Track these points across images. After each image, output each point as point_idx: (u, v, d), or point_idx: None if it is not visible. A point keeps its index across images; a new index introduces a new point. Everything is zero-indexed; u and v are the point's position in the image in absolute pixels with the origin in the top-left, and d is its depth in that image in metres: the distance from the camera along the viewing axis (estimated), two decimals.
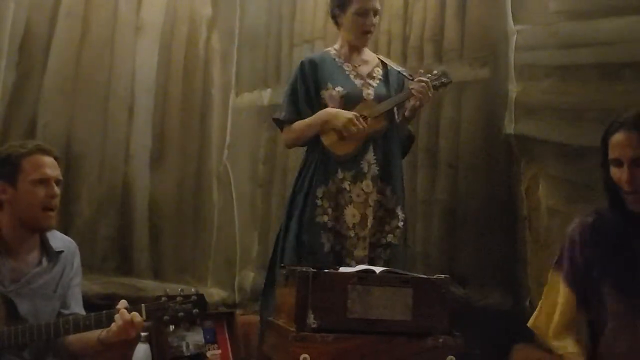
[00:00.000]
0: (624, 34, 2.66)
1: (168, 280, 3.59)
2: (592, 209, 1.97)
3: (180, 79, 3.81)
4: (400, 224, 2.73)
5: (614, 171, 1.83)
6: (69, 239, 2.34)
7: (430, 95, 2.68)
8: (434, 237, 3.12)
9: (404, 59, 3.28)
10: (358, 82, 2.77)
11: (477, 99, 3.08)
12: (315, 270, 2.01)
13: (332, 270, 2.16)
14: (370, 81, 2.79)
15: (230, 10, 3.90)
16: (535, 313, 2.05)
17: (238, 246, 3.75)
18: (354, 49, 2.83)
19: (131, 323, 1.97)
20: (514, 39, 2.96)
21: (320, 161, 2.72)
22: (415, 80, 2.69)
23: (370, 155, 2.71)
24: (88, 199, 3.57)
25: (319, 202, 2.68)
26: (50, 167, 2.17)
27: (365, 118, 2.68)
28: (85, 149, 3.59)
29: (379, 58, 2.89)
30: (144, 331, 2.08)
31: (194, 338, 2.68)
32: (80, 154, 3.57)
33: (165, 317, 2.01)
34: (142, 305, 2.02)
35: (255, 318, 2.92)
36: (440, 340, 2.01)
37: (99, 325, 2.02)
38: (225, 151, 3.85)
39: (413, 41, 3.29)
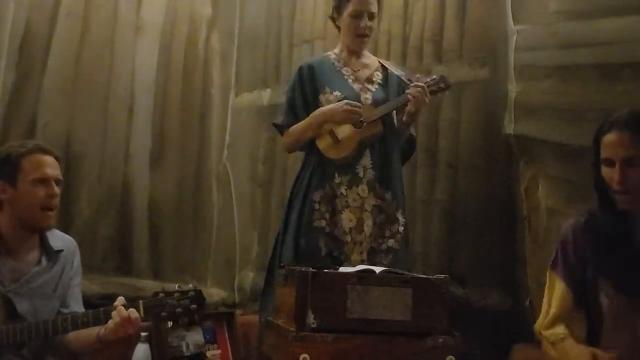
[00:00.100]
0: (624, 34, 2.66)
1: (168, 280, 3.58)
2: (585, 209, 1.98)
3: (180, 79, 3.81)
4: (401, 228, 2.71)
5: (606, 171, 1.84)
6: (69, 238, 2.34)
7: (427, 100, 2.65)
8: (433, 237, 3.12)
9: (403, 59, 3.29)
10: (356, 86, 2.77)
11: (476, 99, 3.08)
12: (314, 270, 2.01)
13: (331, 270, 2.16)
14: (369, 85, 2.79)
15: (230, 10, 3.91)
16: (540, 316, 2.06)
17: (238, 246, 3.75)
18: (353, 52, 2.83)
19: (128, 319, 1.97)
20: (513, 39, 2.96)
21: (318, 165, 2.72)
22: (411, 85, 2.68)
23: (366, 160, 2.70)
24: (88, 199, 3.57)
25: (316, 206, 2.68)
26: (51, 166, 2.17)
27: (361, 122, 2.68)
28: (85, 149, 3.59)
29: (380, 62, 2.88)
30: (143, 331, 2.08)
31: (194, 338, 2.68)
32: (80, 154, 3.58)
33: (163, 314, 2.01)
34: (140, 301, 2.02)
35: (255, 318, 2.92)
36: (440, 340, 2.00)
37: (97, 322, 2.02)
38: (225, 151, 3.85)
39: (413, 41, 3.29)
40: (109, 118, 3.67)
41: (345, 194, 2.67)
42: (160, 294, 2.04)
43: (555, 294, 1.99)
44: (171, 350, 2.59)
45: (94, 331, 2.06)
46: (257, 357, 2.76)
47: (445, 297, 2.06)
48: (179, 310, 2.01)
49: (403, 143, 2.82)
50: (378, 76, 2.82)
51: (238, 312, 3.20)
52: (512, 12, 2.98)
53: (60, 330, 2.02)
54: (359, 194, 2.68)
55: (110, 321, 1.99)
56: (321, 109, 2.71)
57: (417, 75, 2.73)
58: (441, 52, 3.20)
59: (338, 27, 2.84)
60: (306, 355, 1.90)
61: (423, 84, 2.65)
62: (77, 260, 2.31)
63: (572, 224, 1.97)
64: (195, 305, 2.02)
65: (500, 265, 2.92)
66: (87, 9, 3.65)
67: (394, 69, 2.85)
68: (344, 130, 2.70)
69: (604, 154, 1.84)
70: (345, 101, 2.66)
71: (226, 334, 2.87)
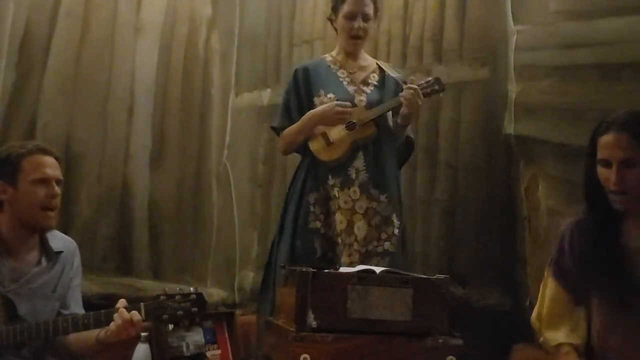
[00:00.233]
0: (624, 34, 2.66)
1: (168, 280, 3.59)
2: (583, 209, 1.98)
3: (180, 79, 3.81)
4: (396, 231, 2.70)
5: (602, 171, 1.83)
6: (69, 238, 2.34)
7: (421, 102, 2.64)
8: (433, 237, 3.12)
9: (403, 59, 3.29)
10: (351, 88, 2.77)
11: (476, 99, 3.07)
12: (315, 270, 2.02)
13: (332, 271, 2.16)
14: (364, 87, 2.78)
15: (230, 10, 3.90)
16: (535, 309, 2.06)
17: (238, 246, 3.75)
18: (350, 54, 2.82)
19: (130, 322, 1.97)
20: (513, 39, 2.96)
21: (312, 167, 2.73)
22: (405, 87, 2.66)
23: (359, 162, 2.70)
24: (88, 199, 3.57)
25: (311, 207, 2.68)
26: (51, 166, 2.17)
27: (354, 124, 2.67)
28: (85, 149, 3.59)
29: (377, 63, 2.88)
30: (143, 331, 2.08)
31: (194, 338, 2.68)
32: (80, 154, 3.58)
33: (165, 316, 2.01)
34: (141, 304, 2.02)
35: (255, 318, 2.92)
36: (440, 340, 2.01)
37: (98, 324, 2.02)
38: (225, 151, 3.85)
39: (413, 41, 3.29)
40: (108, 118, 3.67)
41: (337, 195, 2.67)
42: (162, 297, 2.04)
43: (547, 292, 1.99)
44: (171, 350, 2.59)
45: (94, 333, 2.06)
46: (255, 358, 2.76)
47: (445, 297, 2.06)
48: (180, 313, 2.01)
49: (400, 145, 2.81)
50: (374, 78, 2.82)
51: (238, 312, 3.19)
52: (512, 12, 2.98)
53: (60, 331, 2.02)
54: (350, 196, 2.67)
55: (112, 323, 1.99)
56: (312, 111, 2.71)
57: (412, 77, 2.72)
58: (441, 52, 3.20)
59: (336, 29, 2.84)
60: (306, 356, 1.90)
61: (416, 87, 2.63)
62: (77, 261, 2.31)
63: (569, 224, 1.97)
64: (196, 309, 2.02)
65: (500, 265, 2.92)
66: (87, 9, 3.65)
67: (391, 71, 2.84)
68: (337, 133, 2.70)
69: (600, 154, 1.83)
70: (336, 102, 2.66)
71: (226, 334, 2.87)
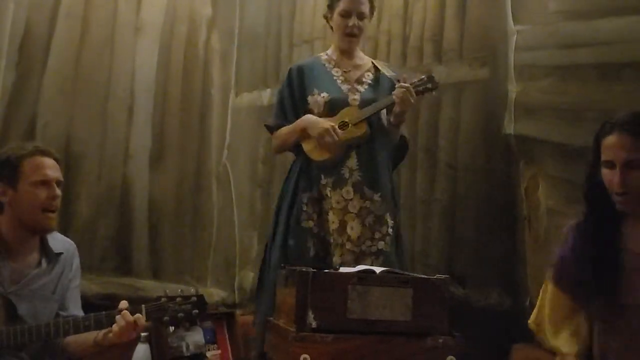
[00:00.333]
0: (624, 34, 2.66)
1: (167, 280, 3.59)
2: (584, 210, 1.97)
3: (179, 79, 3.81)
4: (390, 230, 2.70)
5: (606, 172, 1.83)
6: (69, 240, 2.33)
7: (413, 101, 2.63)
8: (433, 237, 3.12)
9: (403, 59, 3.29)
10: (345, 87, 2.76)
11: (476, 99, 3.07)
12: (315, 270, 2.02)
13: (332, 271, 2.16)
14: (358, 86, 2.78)
15: (230, 10, 3.91)
16: (534, 311, 2.06)
17: (237, 246, 3.75)
18: (345, 53, 2.82)
19: (133, 325, 1.97)
20: (513, 39, 2.96)
21: (305, 167, 2.73)
22: (397, 85, 2.65)
23: (352, 162, 2.70)
24: (87, 199, 3.57)
25: (304, 207, 2.68)
26: (51, 168, 2.16)
27: (346, 124, 2.67)
28: (85, 149, 3.59)
29: (373, 62, 2.87)
30: (144, 331, 2.08)
31: (194, 338, 2.68)
32: (79, 154, 3.58)
33: (165, 318, 2.01)
34: (142, 306, 2.02)
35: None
36: (440, 340, 2.01)
37: (99, 326, 2.02)
38: (225, 151, 3.85)
39: (413, 41, 3.29)
40: (108, 118, 3.67)
41: (330, 195, 2.67)
42: (163, 298, 2.03)
43: (547, 296, 1.99)
44: (171, 350, 2.59)
45: (92, 335, 2.06)
46: (252, 358, 2.75)
47: (445, 297, 2.06)
48: (180, 315, 2.01)
49: (394, 145, 2.80)
50: (369, 77, 2.81)
51: (238, 312, 3.20)
52: (512, 12, 2.98)
53: (61, 333, 2.02)
54: (342, 196, 2.67)
55: (114, 325, 1.98)
56: (307, 116, 2.71)
57: (404, 75, 2.71)
58: (441, 52, 3.20)
59: (331, 27, 2.84)
60: (306, 356, 1.90)
61: (408, 85, 2.63)
62: (76, 262, 2.30)
63: (570, 227, 1.96)
64: (197, 311, 2.02)
65: (500, 265, 2.92)
66: (86, 9, 3.65)
67: (387, 70, 2.84)
68: None
69: (604, 156, 1.83)
70: (331, 124, 2.65)
71: (226, 334, 2.87)
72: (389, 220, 2.70)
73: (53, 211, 2.15)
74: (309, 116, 2.72)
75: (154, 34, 3.78)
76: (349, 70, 2.81)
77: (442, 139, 3.14)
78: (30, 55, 3.54)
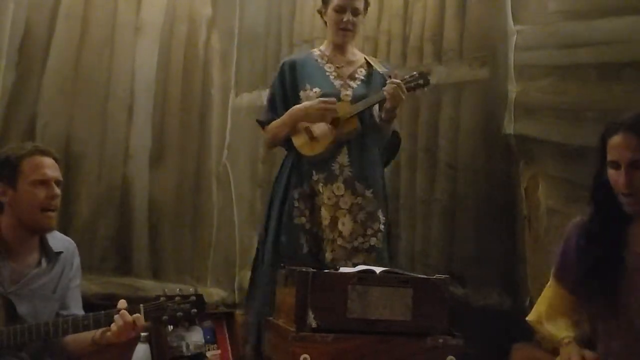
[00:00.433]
0: (624, 34, 2.66)
1: (167, 280, 3.59)
2: (588, 210, 1.97)
3: (179, 79, 3.81)
4: (382, 226, 2.70)
5: (611, 173, 1.83)
6: (69, 239, 2.34)
7: (404, 97, 2.63)
8: (433, 237, 3.12)
9: (403, 59, 3.28)
10: (337, 82, 2.77)
11: (476, 99, 3.07)
12: (315, 270, 2.02)
13: (331, 270, 2.16)
14: (351, 82, 2.78)
15: (230, 10, 3.90)
16: (534, 307, 2.07)
17: (237, 246, 3.75)
18: (338, 48, 2.82)
19: (132, 324, 1.97)
20: (513, 39, 2.96)
21: (297, 163, 2.73)
22: (388, 81, 2.65)
23: (343, 158, 2.70)
24: (87, 199, 3.57)
25: (295, 203, 2.68)
26: (50, 167, 2.17)
27: (337, 119, 2.67)
28: (85, 149, 3.59)
29: (366, 58, 2.87)
30: (143, 331, 2.08)
31: (194, 338, 2.68)
32: (79, 154, 3.57)
33: (164, 317, 2.01)
34: (141, 305, 2.02)
35: None
36: (440, 340, 2.01)
37: (98, 325, 2.02)
38: (225, 151, 3.85)
39: (413, 41, 3.29)
40: (108, 118, 3.67)
41: (321, 191, 2.67)
42: (162, 298, 2.03)
43: (548, 293, 2.00)
44: (171, 350, 2.60)
45: (90, 334, 2.06)
46: (248, 358, 2.75)
47: (445, 297, 2.06)
48: (179, 314, 2.01)
49: (386, 141, 2.80)
50: (361, 73, 2.81)
51: (238, 312, 3.20)
52: (512, 12, 2.98)
53: (60, 332, 2.02)
54: (333, 192, 2.67)
55: (113, 324, 1.98)
56: (297, 106, 2.71)
57: (396, 72, 2.72)
58: (441, 52, 3.19)
59: (325, 22, 2.84)
60: (306, 356, 1.91)
61: (399, 81, 2.63)
62: (76, 261, 2.30)
63: (573, 225, 1.97)
64: (195, 310, 2.02)
65: (500, 265, 2.91)
66: (86, 10, 3.64)
67: (379, 66, 2.84)
68: (320, 128, 2.69)
69: (610, 156, 1.82)
70: (321, 98, 2.65)
71: (226, 334, 2.88)
72: (380, 216, 2.71)
73: (52, 210, 2.15)
74: (296, 106, 2.71)
75: (154, 34, 3.77)
76: (342, 66, 2.81)
77: (442, 139, 3.14)
78: (30, 55, 3.53)
